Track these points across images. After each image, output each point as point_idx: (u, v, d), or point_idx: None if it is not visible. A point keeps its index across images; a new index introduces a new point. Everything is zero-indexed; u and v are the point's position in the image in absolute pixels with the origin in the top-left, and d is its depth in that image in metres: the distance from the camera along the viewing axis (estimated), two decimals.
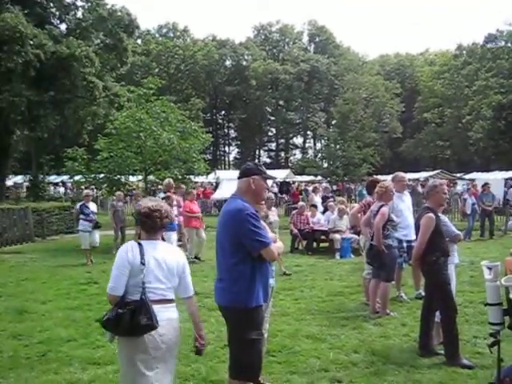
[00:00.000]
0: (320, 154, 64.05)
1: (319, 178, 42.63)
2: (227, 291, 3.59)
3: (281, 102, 69.44)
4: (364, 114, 50.63)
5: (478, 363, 4.97)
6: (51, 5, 28.80)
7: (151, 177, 16.71)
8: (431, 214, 5.29)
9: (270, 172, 4.07)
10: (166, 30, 72.75)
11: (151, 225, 3.40)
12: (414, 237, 6.51)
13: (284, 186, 33.07)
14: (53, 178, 38.61)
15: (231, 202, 3.71)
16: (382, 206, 6.74)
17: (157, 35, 71.13)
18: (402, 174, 8.26)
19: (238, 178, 3.79)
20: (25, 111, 25.39)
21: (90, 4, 29.35)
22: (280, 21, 73.61)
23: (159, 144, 15.27)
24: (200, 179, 25.28)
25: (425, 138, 56.94)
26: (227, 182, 26.21)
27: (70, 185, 35.81)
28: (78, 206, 12.50)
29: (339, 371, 4.90)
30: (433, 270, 5.26)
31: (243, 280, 3.52)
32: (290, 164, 65.71)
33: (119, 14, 29.28)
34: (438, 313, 5.34)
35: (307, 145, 75.54)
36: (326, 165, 47.30)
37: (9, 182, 35.30)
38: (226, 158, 76.10)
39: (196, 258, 11.91)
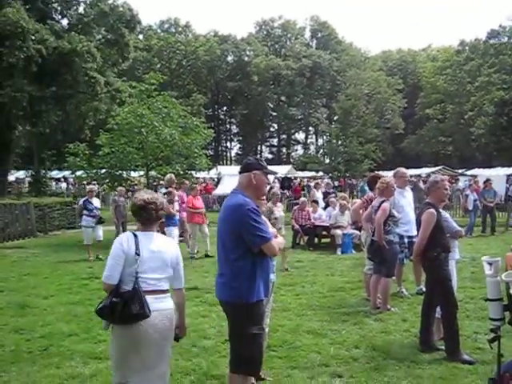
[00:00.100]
0: (322, 150, 63.96)
1: (321, 173, 42.64)
2: (228, 286, 3.59)
3: (283, 98, 69.36)
4: (366, 109, 50.51)
5: (479, 358, 4.98)
6: (53, 0, 28.79)
7: (153, 172, 16.72)
8: (432, 210, 5.28)
9: (271, 168, 4.07)
10: (167, 26, 72.67)
11: (147, 217, 3.49)
12: (415, 232, 6.52)
13: (286, 182, 33.10)
14: (55, 174, 38.64)
15: (232, 197, 3.71)
16: (383, 202, 6.74)
17: (158, 30, 71.06)
18: (403, 169, 8.26)
19: (239, 173, 3.79)
20: (27, 106, 25.43)
21: None
22: (282, 16, 73.66)
23: (161, 139, 15.26)
24: (202, 175, 25.29)
25: (427, 134, 56.78)
26: (229, 178, 26.24)
27: (71, 180, 35.87)
28: (81, 201, 12.49)
29: (340, 366, 4.91)
30: (434, 265, 5.26)
31: (244, 275, 3.52)
32: (291, 160, 65.61)
33: (121, 9, 29.29)
34: (438, 308, 5.35)
35: (309, 140, 75.59)
36: (327, 161, 47.35)
37: (11, 178, 35.32)
38: (228, 154, 76.08)
39: (206, 255, 11.80)
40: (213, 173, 29.04)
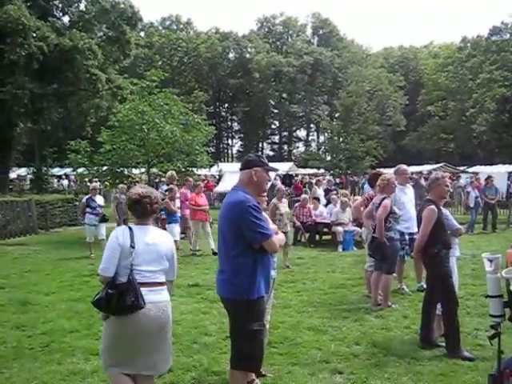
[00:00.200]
0: (323, 147, 63.67)
1: (322, 170, 42.58)
2: (229, 283, 3.61)
3: (284, 95, 69.27)
4: (367, 106, 50.38)
5: (479, 355, 4.99)
6: None
7: (154, 169, 16.70)
8: (433, 207, 5.29)
9: (272, 165, 4.08)
10: (169, 23, 72.63)
11: (141, 210, 3.57)
12: (416, 229, 6.52)
13: (287, 179, 33.09)
14: (56, 171, 38.63)
15: (233, 193, 3.72)
16: (384, 199, 6.74)
17: (160, 28, 70.99)
18: (404, 166, 8.25)
19: (240, 170, 3.80)
20: (28, 104, 25.41)
21: None
22: (283, 13, 73.52)
23: (162, 136, 15.25)
24: (203, 172, 25.27)
25: (428, 131, 56.69)
26: (230, 175, 26.22)
27: (73, 177, 35.85)
28: (84, 199, 12.42)
29: (340, 363, 4.92)
30: (434, 262, 5.26)
31: (244, 272, 3.54)
32: (293, 157, 65.61)
33: (122, 6, 29.21)
34: (439, 305, 5.35)
35: (310, 138, 75.47)
36: (329, 158, 47.18)
37: (12, 175, 35.30)
38: (229, 151, 76.04)
39: (213, 253, 11.29)
40: (214, 170, 28.97)
